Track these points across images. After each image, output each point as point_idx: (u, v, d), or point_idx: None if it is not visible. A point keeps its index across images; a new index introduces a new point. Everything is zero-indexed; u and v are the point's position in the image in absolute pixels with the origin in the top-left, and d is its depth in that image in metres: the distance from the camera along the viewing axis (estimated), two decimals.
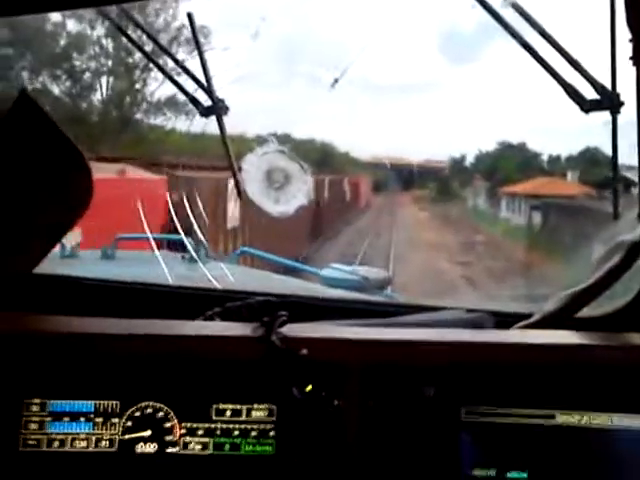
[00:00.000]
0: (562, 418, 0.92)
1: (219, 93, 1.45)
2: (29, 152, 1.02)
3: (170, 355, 0.96)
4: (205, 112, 1.49)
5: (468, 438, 0.93)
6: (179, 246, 3.00)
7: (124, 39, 1.57)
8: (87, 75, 13.33)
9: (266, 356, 0.94)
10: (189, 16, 1.43)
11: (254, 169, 1.48)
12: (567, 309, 1.14)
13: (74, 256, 3.15)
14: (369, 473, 0.93)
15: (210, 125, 1.52)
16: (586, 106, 1.20)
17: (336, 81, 1.72)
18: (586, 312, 1.14)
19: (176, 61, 1.52)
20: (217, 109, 1.47)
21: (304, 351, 0.93)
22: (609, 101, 1.17)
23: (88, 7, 1.31)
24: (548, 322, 1.13)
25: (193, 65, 1.46)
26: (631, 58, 1.00)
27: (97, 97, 13.71)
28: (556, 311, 1.14)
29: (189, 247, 2.65)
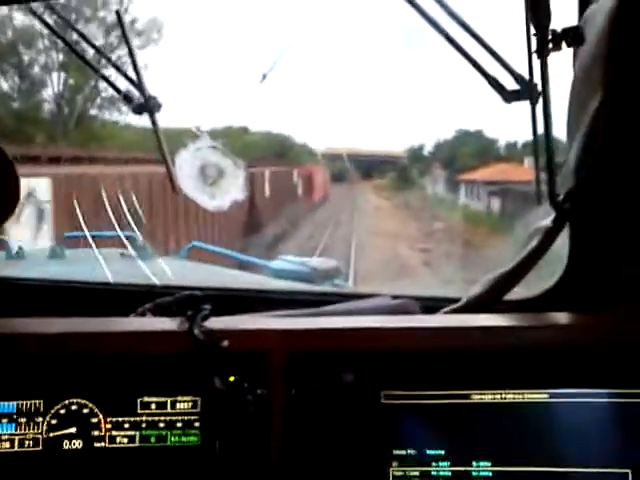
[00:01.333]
0: (477, 397, 0.96)
1: (169, 85, 1.44)
2: None
3: (93, 352, 0.98)
4: (138, 109, 1.49)
5: (388, 420, 0.96)
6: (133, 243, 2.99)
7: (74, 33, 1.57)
8: (36, 70, 13.09)
9: (189, 349, 0.96)
10: (117, 13, 1.43)
11: (187, 165, 1.50)
12: (491, 293, 1.18)
13: (21, 257, 3.12)
14: (295, 461, 0.96)
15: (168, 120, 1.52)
16: (507, 97, 1.23)
17: (264, 77, 1.73)
18: (514, 296, 1.18)
19: (107, 58, 1.52)
20: (149, 106, 1.47)
21: (225, 343, 0.95)
22: (527, 92, 1.21)
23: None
24: (473, 306, 1.17)
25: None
26: (536, 51, 1.03)
27: (48, 93, 13.46)
28: (481, 295, 1.18)
29: (127, 244, 2.64)
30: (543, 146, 1.12)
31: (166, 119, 1.50)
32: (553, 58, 1.10)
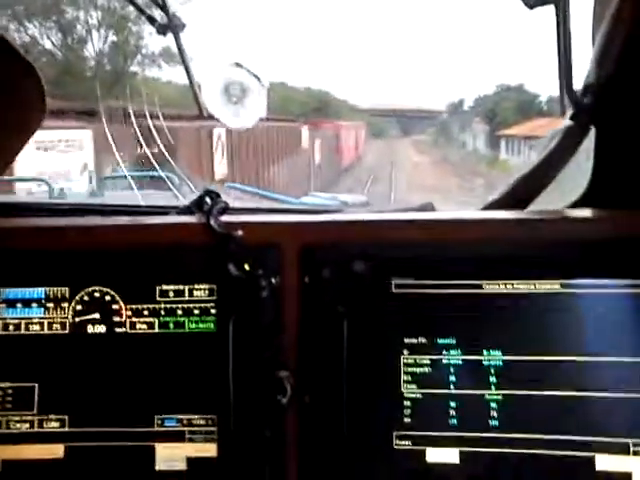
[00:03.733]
0: (488, 287, 0.97)
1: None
2: None
3: (116, 243, 1.02)
4: (162, 30, 1.50)
5: (399, 309, 0.98)
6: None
7: None
8: (78, 28, 13.18)
9: (205, 240, 0.99)
10: None
11: (211, 84, 1.51)
12: (509, 197, 1.17)
13: (62, 196, 3.22)
14: (307, 347, 0.99)
15: None
16: (531, 2, 1.21)
17: None
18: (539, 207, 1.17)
19: None
20: (173, 26, 1.48)
21: (239, 232, 0.97)
22: None
23: None
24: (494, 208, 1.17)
25: None
26: None
27: (90, 51, 13.58)
28: (501, 197, 1.18)
29: (169, 183, 2.69)
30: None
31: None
32: None
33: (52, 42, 13.07)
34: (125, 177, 3.13)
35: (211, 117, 1.56)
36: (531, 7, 1.19)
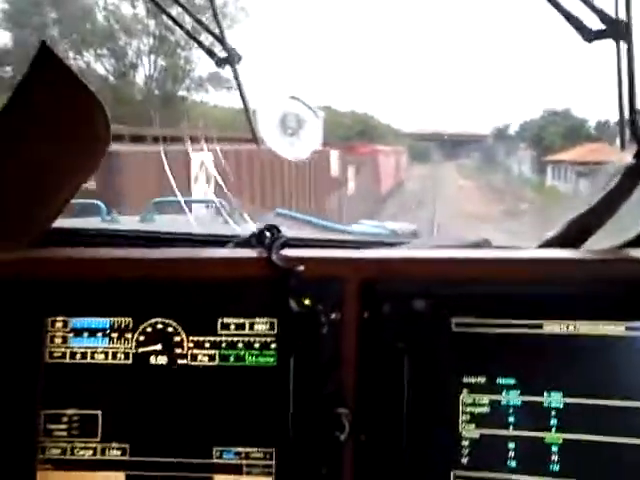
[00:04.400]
0: (549, 327, 0.96)
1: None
2: (49, 101, 1.09)
3: (179, 276, 1.04)
4: (220, 62, 1.54)
5: (459, 348, 0.98)
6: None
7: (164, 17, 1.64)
8: (130, 54, 13.54)
9: (267, 274, 1.00)
10: None
11: (268, 115, 1.54)
12: (570, 233, 1.16)
13: (115, 221, 3.30)
14: (365, 383, 0.99)
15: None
16: (590, 36, 1.20)
17: None
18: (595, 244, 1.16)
19: (191, 15, 1.57)
20: (231, 58, 1.52)
21: (301, 267, 0.99)
22: (613, 29, 1.18)
23: None
24: (551, 246, 1.16)
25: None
26: None
27: (140, 75, 13.92)
28: (560, 235, 1.17)
29: (221, 209, 2.73)
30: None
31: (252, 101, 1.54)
32: None
33: (105, 68, 13.45)
34: (176, 202, 3.18)
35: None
36: (589, 41, 1.18)
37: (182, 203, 2.73)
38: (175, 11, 1.62)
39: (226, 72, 1.53)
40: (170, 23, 1.64)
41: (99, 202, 3.15)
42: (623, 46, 1.12)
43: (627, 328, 0.95)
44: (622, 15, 1.10)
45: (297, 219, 3.54)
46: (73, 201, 1.19)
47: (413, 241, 1.26)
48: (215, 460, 1.00)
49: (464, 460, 0.97)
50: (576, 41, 1.15)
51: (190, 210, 3.06)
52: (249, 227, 2.68)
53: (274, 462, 0.99)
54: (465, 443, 0.97)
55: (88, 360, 1.02)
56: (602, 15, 1.15)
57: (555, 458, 0.95)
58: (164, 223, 3.30)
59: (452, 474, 0.97)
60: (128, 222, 3.41)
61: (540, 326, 0.97)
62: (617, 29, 1.13)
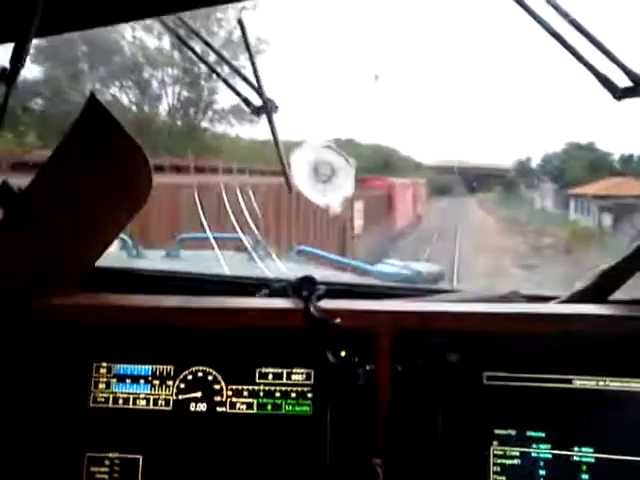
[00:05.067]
0: (579, 382, 0.99)
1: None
2: (96, 151, 1.14)
3: (219, 325, 1.08)
4: (257, 111, 1.59)
5: (490, 401, 1.01)
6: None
7: (188, 50, 1.70)
8: (155, 85, 13.77)
9: (304, 325, 1.04)
10: (239, 22, 1.53)
11: (302, 163, 1.59)
12: (596, 288, 1.19)
13: (140, 256, 3.34)
14: (399, 434, 1.02)
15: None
16: (618, 94, 1.23)
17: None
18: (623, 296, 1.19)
19: (228, 63, 1.63)
20: (267, 108, 1.57)
21: (337, 320, 1.02)
22: None
23: (139, 19, 1.41)
24: (578, 300, 1.19)
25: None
26: None
27: (164, 107, 14.13)
28: (586, 289, 1.19)
29: (247, 245, 2.76)
30: None
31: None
32: None
33: (130, 99, 13.69)
34: (203, 238, 3.22)
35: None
36: (619, 99, 1.21)
37: (212, 239, 2.77)
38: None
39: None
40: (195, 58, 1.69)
41: (126, 237, 3.19)
42: None
43: None
44: None
45: (320, 257, 3.58)
46: None
47: (446, 294, 1.28)
48: None
49: None
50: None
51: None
52: (276, 266, 2.71)
53: None
54: None
55: (130, 406, 1.06)
56: (630, 73, 1.18)
57: None
58: (189, 259, 3.34)
59: None
60: (154, 257, 3.45)
61: (570, 381, 0.99)
62: None
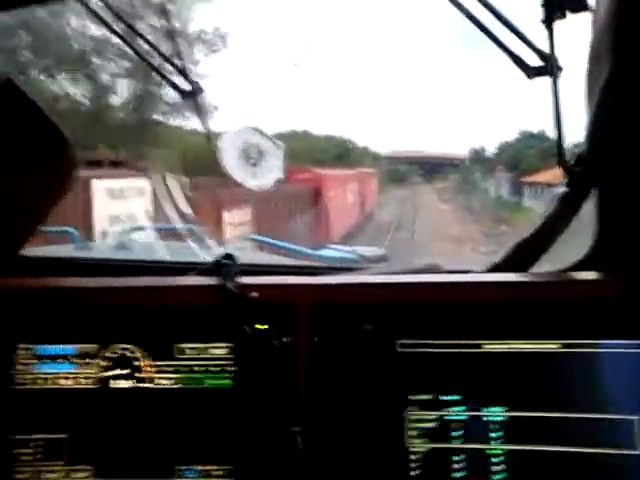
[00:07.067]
0: (488, 347, 1.03)
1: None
2: (13, 134, 1.13)
3: (141, 304, 1.10)
4: (184, 95, 1.59)
5: (403, 367, 1.04)
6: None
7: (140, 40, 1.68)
8: (106, 77, 13.52)
9: (223, 301, 1.06)
10: (163, 10, 1.53)
11: (230, 147, 1.60)
12: (511, 260, 1.23)
13: (88, 247, 3.31)
14: (317, 403, 1.05)
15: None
16: (530, 73, 1.27)
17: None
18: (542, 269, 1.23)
19: (153, 47, 1.62)
20: (194, 91, 1.57)
21: (254, 294, 1.05)
22: (550, 67, 1.24)
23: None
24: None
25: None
26: (543, 21, 1.09)
27: (116, 99, 13.89)
28: (501, 262, 1.24)
29: (185, 233, 2.76)
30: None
31: (231, 125, 1.60)
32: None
33: (79, 91, 13.43)
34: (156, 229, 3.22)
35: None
36: (529, 77, 1.25)
37: (151, 230, 2.77)
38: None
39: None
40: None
41: (71, 229, 3.16)
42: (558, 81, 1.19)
43: (562, 345, 1.02)
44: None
45: (272, 245, 3.60)
46: (46, 228, 1.23)
47: (369, 267, 1.32)
48: (177, 479, 1.05)
49: (412, 474, 1.02)
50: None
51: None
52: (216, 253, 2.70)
53: (233, 478, 1.04)
54: (412, 458, 1.02)
55: (53, 386, 1.07)
56: (540, 52, 1.22)
57: (498, 469, 1.01)
58: (140, 249, 3.32)
59: None
60: (104, 248, 3.43)
61: (479, 346, 1.03)
62: (551, 66, 1.19)
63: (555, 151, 1.18)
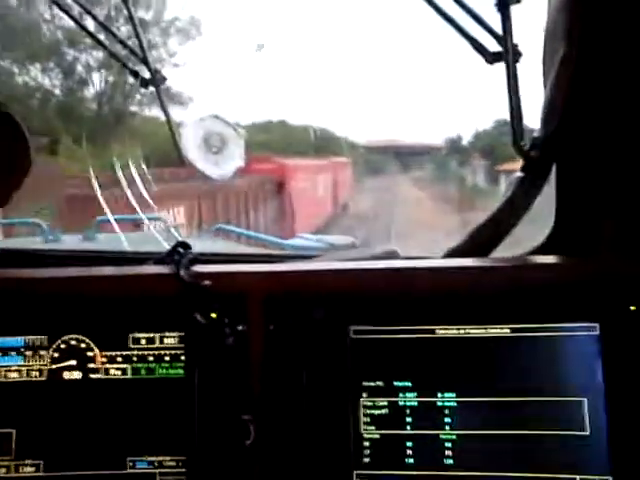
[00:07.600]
0: (441, 332, 1.03)
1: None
2: None
3: (91, 293, 1.08)
4: (144, 83, 1.57)
5: (357, 354, 1.04)
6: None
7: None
8: (79, 69, 13.38)
9: (175, 289, 1.05)
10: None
11: (192, 135, 1.58)
12: (470, 245, 1.23)
13: (57, 240, 3.30)
14: (271, 391, 1.04)
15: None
16: (490, 58, 1.27)
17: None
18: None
19: (114, 35, 1.60)
20: (155, 80, 1.56)
21: (206, 282, 1.04)
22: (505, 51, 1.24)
23: None
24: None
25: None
26: (497, 4, 1.09)
27: (90, 91, 13.76)
28: (458, 247, 1.24)
29: (146, 223, 2.75)
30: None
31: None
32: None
33: (53, 84, 13.27)
34: (119, 220, 3.20)
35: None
36: (490, 63, 1.25)
37: (112, 221, 2.75)
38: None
39: (177, 87, 1.55)
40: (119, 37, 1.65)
41: (40, 221, 3.14)
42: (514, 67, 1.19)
43: (512, 330, 1.02)
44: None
45: (238, 234, 3.59)
46: (14, 220, 1.21)
47: (326, 254, 1.31)
48: (129, 470, 1.04)
49: (366, 460, 1.03)
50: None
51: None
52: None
53: (185, 469, 1.04)
54: (366, 444, 1.03)
55: (1, 379, 1.05)
56: (498, 37, 1.22)
57: (449, 453, 1.01)
58: (106, 241, 3.31)
59: (354, 474, 1.02)
60: (71, 240, 3.41)
61: (432, 331, 1.03)
62: (505, 50, 1.19)
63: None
